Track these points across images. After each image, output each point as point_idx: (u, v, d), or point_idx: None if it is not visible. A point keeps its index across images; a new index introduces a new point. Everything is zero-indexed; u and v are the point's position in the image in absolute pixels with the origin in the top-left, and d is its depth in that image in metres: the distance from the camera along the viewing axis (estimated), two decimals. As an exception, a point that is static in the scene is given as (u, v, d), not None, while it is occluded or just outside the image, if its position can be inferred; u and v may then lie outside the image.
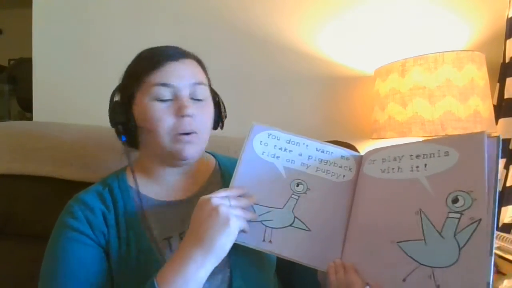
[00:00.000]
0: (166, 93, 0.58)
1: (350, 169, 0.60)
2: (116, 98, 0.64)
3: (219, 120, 0.69)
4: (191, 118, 0.58)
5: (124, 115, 0.61)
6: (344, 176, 0.59)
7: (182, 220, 0.61)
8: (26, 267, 0.57)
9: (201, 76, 0.63)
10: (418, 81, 0.91)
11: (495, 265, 0.89)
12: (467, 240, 0.43)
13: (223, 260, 0.52)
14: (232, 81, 1.17)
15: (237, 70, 1.17)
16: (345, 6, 1.17)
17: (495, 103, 1.09)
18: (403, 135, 0.94)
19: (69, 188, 0.67)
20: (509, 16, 1.08)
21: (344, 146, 1.00)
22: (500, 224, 1.07)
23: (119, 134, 0.62)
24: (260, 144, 0.61)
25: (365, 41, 1.17)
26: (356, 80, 1.18)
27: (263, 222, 0.56)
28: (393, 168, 0.54)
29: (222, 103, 0.70)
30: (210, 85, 0.68)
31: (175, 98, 0.59)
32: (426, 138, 1.00)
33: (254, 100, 1.18)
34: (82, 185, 0.67)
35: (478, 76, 0.91)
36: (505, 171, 1.08)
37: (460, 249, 0.43)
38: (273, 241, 0.55)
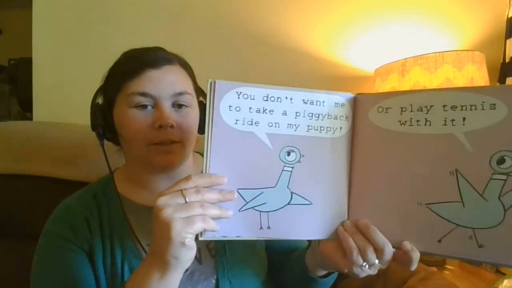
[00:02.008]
0: (145, 101, 0.55)
1: (346, 117, 0.49)
2: (98, 100, 0.62)
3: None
4: (172, 128, 0.55)
5: (104, 119, 0.59)
6: (340, 128, 0.49)
7: None
8: (26, 267, 0.57)
9: (185, 84, 0.59)
10: (418, 81, 0.91)
11: (495, 265, 0.89)
12: None
13: (209, 267, 0.50)
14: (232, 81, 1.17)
15: (237, 70, 1.17)
16: (345, 6, 1.17)
17: (495, 103, 1.09)
18: (403, 135, 0.94)
19: (69, 188, 0.67)
20: (509, 16, 1.08)
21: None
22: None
23: (99, 137, 0.60)
24: (230, 110, 0.46)
25: (365, 41, 1.17)
26: (356, 80, 1.18)
27: (255, 207, 0.46)
28: (418, 120, 0.44)
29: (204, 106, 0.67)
30: (197, 88, 0.64)
31: (156, 106, 0.55)
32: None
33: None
34: (82, 185, 0.67)
35: (478, 76, 0.91)
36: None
37: (505, 210, 0.40)
38: (272, 227, 0.47)
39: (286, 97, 0.49)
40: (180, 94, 0.57)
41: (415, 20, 1.16)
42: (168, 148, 0.55)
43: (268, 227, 0.47)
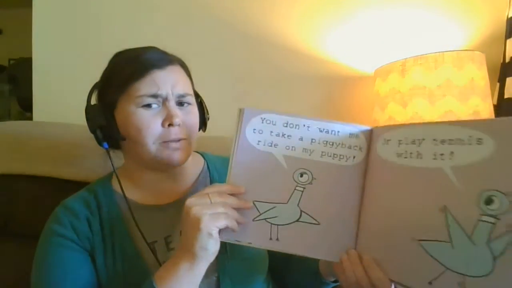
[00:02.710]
0: (153, 101, 0.57)
1: (360, 148, 0.52)
2: (93, 101, 0.63)
3: (202, 121, 0.68)
4: (179, 126, 0.57)
5: (105, 120, 0.59)
6: (354, 157, 0.52)
7: (167, 224, 0.61)
8: (26, 267, 0.57)
9: (187, 84, 0.62)
10: (418, 81, 0.91)
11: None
12: (503, 251, 0.36)
13: (210, 265, 0.51)
14: (231, 81, 1.17)
15: (236, 70, 1.17)
16: (345, 6, 1.17)
17: (495, 103, 1.09)
18: (403, 135, 0.94)
19: (69, 188, 0.67)
20: (509, 16, 1.08)
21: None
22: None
23: (99, 140, 0.60)
24: (254, 132, 0.53)
25: (365, 41, 1.17)
26: (356, 80, 1.18)
27: (267, 219, 0.51)
28: (411, 153, 0.45)
29: (205, 104, 0.69)
30: (193, 88, 0.66)
31: (163, 105, 0.58)
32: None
33: (254, 100, 1.18)
34: (82, 185, 0.67)
35: (478, 76, 0.91)
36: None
37: (494, 259, 0.36)
38: (281, 239, 0.51)
39: (304, 125, 0.54)
40: (184, 93, 0.60)
41: (415, 20, 1.16)
42: (177, 145, 0.58)
43: (277, 239, 0.51)
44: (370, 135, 0.52)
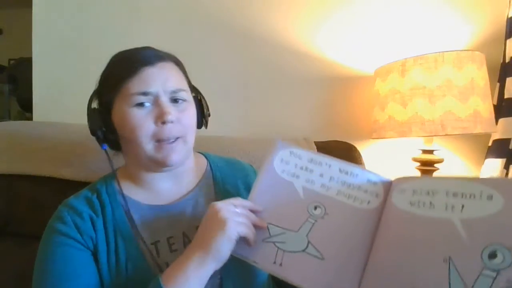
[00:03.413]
0: (145, 100, 0.56)
1: (376, 195, 0.53)
2: (94, 105, 0.63)
3: (202, 119, 0.67)
4: (173, 124, 0.57)
5: (103, 122, 0.60)
6: (368, 202, 0.53)
7: (170, 224, 0.61)
8: (26, 267, 0.57)
9: (180, 81, 0.61)
10: (418, 81, 0.91)
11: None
12: None
13: None
14: (231, 82, 1.17)
15: (237, 71, 1.17)
16: (345, 6, 1.17)
17: (495, 103, 1.09)
18: (403, 135, 0.94)
19: (69, 188, 0.67)
20: (509, 16, 1.08)
21: (344, 146, 1.01)
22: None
23: (99, 141, 0.61)
24: (281, 162, 0.58)
25: (365, 41, 1.17)
26: (356, 80, 1.18)
27: (276, 243, 0.53)
28: (424, 203, 0.46)
29: (205, 101, 0.68)
30: (190, 84, 0.66)
31: (155, 103, 0.57)
32: (426, 138, 1.01)
33: (254, 100, 1.18)
34: (82, 185, 0.67)
35: (478, 76, 0.91)
36: (505, 171, 1.08)
37: None
38: (284, 265, 0.52)
39: (326, 163, 0.57)
40: (177, 89, 0.59)
41: (415, 20, 1.16)
42: (172, 146, 0.57)
43: (280, 264, 0.52)
44: (389, 186, 0.53)
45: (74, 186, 0.70)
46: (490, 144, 1.11)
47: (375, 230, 0.51)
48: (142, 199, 0.62)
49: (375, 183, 0.54)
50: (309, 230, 0.53)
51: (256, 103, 1.18)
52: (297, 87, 1.18)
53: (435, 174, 1.02)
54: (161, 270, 0.56)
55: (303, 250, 0.52)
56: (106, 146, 0.61)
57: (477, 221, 0.41)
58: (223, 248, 0.49)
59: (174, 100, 0.59)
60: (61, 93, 1.14)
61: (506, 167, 1.08)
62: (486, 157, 1.11)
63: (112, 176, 0.64)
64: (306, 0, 1.16)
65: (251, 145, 0.94)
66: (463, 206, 0.43)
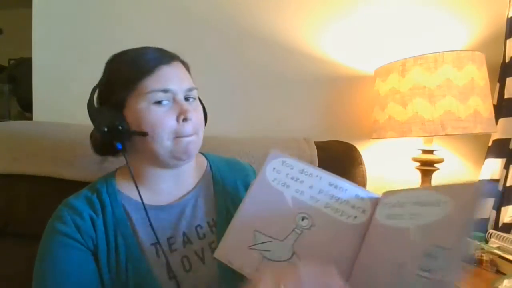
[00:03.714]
0: (164, 97, 0.57)
1: (363, 211, 0.54)
2: (97, 105, 0.62)
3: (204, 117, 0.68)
4: (191, 121, 0.59)
5: (116, 120, 0.58)
6: (355, 217, 0.54)
7: (170, 224, 0.61)
8: (26, 267, 0.57)
9: (191, 80, 0.63)
10: (418, 81, 0.91)
11: (495, 265, 0.89)
12: None
13: (212, 266, 0.53)
14: (233, 82, 1.17)
15: (237, 71, 1.17)
16: (345, 6, 1.17)
17: (495, 103, 1.09)
18: (403, 135, 0.94)
19: (69, 188, 0.67)
20: (509, 16, 1.08)
21: (344, 146, 1.01)
22: (500, 224, 1.07)
23: (112, 139, 0.59)
24: (273, 170, 0.59)
25: (365, 41, 1.17)
26: (356, 80, 1.18)
27: (261, 251, 0.53)
28: (395, 215, 0.49)
29: (201, 100, 0.69)
30: None
31: (174, 101, 0.58)
32: (426, 138, 1.01)
33: (255, 100, 1.18)
34: (82, 185, 0.67)
35: (478, 76, 0.91)
36: (505, 171, 1.08)
37: None
38: None
39: (317, 175, 0.58)
40: (191, 87, 0.61)
41: (415, 20, 1.16)
42: (188, 140, 0.59)
43: None
44: (376, 201, 0.54)
45: (74, 186, 0.70)
46: (490, 144, 1.11)
47: (359, 245, 0.51)
48: (144, 199, 0.62)
49: (362, 199, 0.56)
50: (295, 240, 0.53)
51: (256, 103, 1.18)
52: (297, 87, 1.18)
53: (435, 174, 1.02)
54: (161, 270, 0.56)
55: (287, 260, 0.52)
56: (121, 146, 0.60)
57: (426, 226, 0.43)
58: None
59: (187, 99, 0.61)
60: (61, 93, 1.14)
61: (506, 167, 1.08)
62: (486, 157, 1.11)
63: (112, 176, 0.64)
64: (307, 1, 1.16)
65: (251, 145, 0.94)
66: (421, 214, 0.45)
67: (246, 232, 0.54)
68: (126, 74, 0.59)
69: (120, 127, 0.58)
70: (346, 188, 0.57)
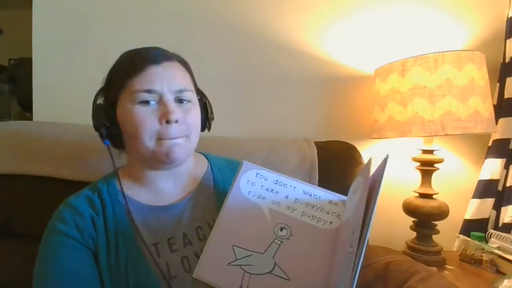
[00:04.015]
0: (150, 98, 0.57)
1: (338, 215, 0.57)
2: (99, 101, 0.63)
3: (206, 122, 0.68)
4: (177, 123, 0.57)
5: (107, 118, 0.60)
6: (330, 223, 0.56)
7: (170, 225, 0.61)
8: (26, 267, 0.57)
9: (185, 81, 0.62)
10: (418, 81, 0.91)
11: (495, 265, 0.89)
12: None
13: None
14: (232, 82, 1.17)
15: (238, 71, 1.17)
16: (345, 7, 1.17)
17: (495, 103, 1.09)
18: (403, 135, 0.94)
19: (69, 188, 0.67)
20: (509, 16, 1.08)
21: (344, 146, 1.01)
22: (500, 224, 1.07)
23: (102, 138, 0.61)
24: (247, 183, 0.59)
25: (365, 41, 1.17)
26: (356, 80, 1.18)
27: (241, 266, 0.53)
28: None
29: (210, 104, 0.69)
30: (196, 87, 0.67)
31: (160, 102, 0.57)
32: (426, 138, 1.01)
33: (255, 100, 1.18)
34: (82, 185, 0.67)
35: (478, 76, 0.91)
36: (505, 171, 1.08)
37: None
38: None
39: (291, 185, 0.60)
40: (182, 89, 0.59)
41: (415, 20, 1.16)
42: (173, 142, 0.57)
43: (247, 287, 0.51)
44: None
45: (74, 186, 0.70)
46: (490, 144, 1.11)
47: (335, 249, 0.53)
48: (143, 200, 0.62)
49: (336, 204, 0.58)
50: (276, 252, 0.53)
51: (256, 103, 1.18)
52: (297, 87, 1.18)
53: (435, 174, 1.02)
54: (161, 271, 0.56)
55: (270, 272, 0.52)
56: (108, 142, 0.61)
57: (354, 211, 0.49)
58: None
59: (179, 100, 0.59)
60: (61, 93, 1.14)
61: (506, 167, 1.08)
62: (486, 157, 1.11)
63: (113, 176, 0.64)
64: (307, 2, 1.16)
65: (251, 145, 0.94)
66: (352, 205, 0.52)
67: (225, 248, 0.54)
68: (119, 71, 0.60)
69: (105, 126, 0.59)
70: (319, 195, 0.59)
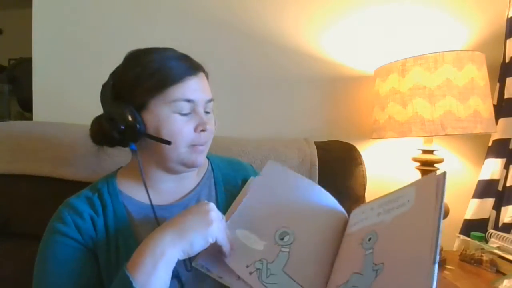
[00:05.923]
0: (187, 107, 0.59)
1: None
2: (110, 95, 0.61)
3: None
4: (206, 132, 0.60)
5: (136, 122, 0.57)
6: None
7: None
8: (26, 267, 0.57)
9: (210, 91, 0.65)
10: (418, 81, 0.91)
11: (495, 265, 0.89)
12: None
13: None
14: (233, 82, 1.17)
15: (238, 71, 1.17)
16: (345, 7, 1.17)
17: (495, 103, 1.09)
18: (403, 135, 0.94)
19: (69, 188, 0.67)
20: (509, 16, 1.08)
21: (344, 146, 1.01)
22: (500, 224, 1.07)
23: (128, 139, 0.58)
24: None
25: (365, 41, 1.17)
26: (356, 80, 1.18)
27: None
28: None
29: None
30: None
31: (194, 112, 0.59)
32: (426, 138, 1.01)
33: (255, 100, 1.18)
34: (82, 185, 0.67)
35: (478, 76, 0.91)
36: (505, 171, 1.08)
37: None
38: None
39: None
40: (210, 99, 0.63)
41: (415, 20, 1.16)
42: (201, 149, 0.61)
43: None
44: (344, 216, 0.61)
45: (74, 186, 0.70)
46: (490, 144, 1.11)
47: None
48: (144, 199, 0.62)
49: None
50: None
51: (256, 103, 1.18)
52: (297, 87, 1.18)
53: (435, 174, 1.02)
54: None
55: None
56: (135, 147, 0.60)
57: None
58: (196, 243, 0.50)
59: (206, 112, 0.62)
60: (61, 93, 1.14)
61: (506, 167, 1.08)
62: (486, 157, 1.11)
63: (113, 176, 0.64)
64: (307, 2, 1.16)
65: (252, 145, 0.94)
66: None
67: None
68: (152, 77, 0.58)
69: (139, 129, 0.57)
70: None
